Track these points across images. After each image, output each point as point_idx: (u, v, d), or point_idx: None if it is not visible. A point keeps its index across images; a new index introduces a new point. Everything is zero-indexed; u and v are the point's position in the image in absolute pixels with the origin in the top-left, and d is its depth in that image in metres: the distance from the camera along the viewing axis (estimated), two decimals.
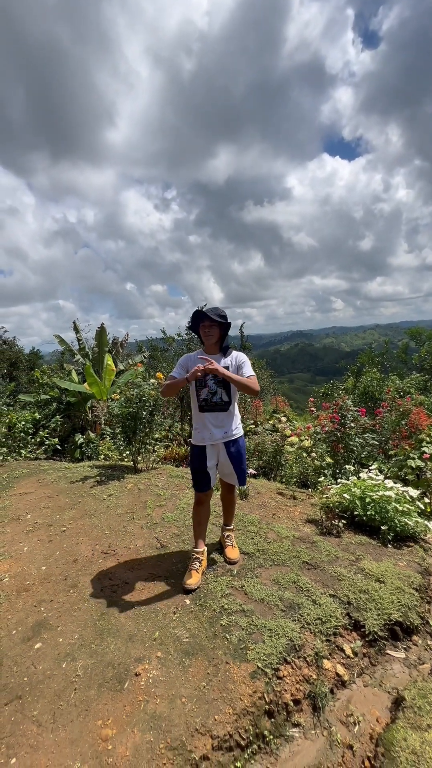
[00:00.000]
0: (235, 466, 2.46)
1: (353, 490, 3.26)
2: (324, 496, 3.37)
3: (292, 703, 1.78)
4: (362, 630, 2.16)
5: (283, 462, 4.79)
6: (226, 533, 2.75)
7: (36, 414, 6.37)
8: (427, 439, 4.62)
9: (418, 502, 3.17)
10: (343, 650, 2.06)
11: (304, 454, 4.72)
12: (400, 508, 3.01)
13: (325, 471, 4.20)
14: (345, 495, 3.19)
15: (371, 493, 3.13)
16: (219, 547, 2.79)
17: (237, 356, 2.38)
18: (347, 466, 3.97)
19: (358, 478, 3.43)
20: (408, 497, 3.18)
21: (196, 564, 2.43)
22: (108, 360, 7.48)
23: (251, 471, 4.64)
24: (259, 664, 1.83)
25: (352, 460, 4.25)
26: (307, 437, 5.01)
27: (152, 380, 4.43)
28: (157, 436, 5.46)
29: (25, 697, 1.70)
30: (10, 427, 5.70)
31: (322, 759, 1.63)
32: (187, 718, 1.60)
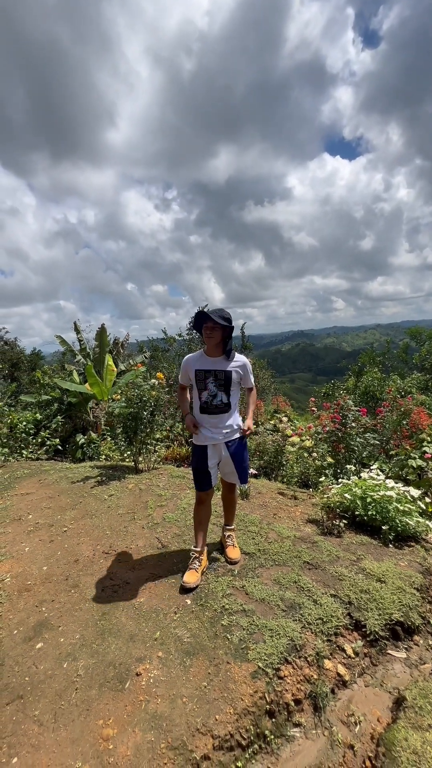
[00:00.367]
0: (236, 464, 2.47)
1: (354, 490, 3.26)
2: (325, 496, 3.37)
3: (293, 703, 1.78)
4: (363, 630, 2.16)
5: (284, 462, 4.79)
6: (227, 533, 2.76)
7: (37, 414, 6.38)
8: (428, 438, 4.62)
9: (419, 502, 3.17)
10: (344, 650, 2.06)
11: (305, 454, 4.72)
12: (401, 508, 3.01)
13: (326, 471, 4.19)
14: (346, 495, 3.19)
15: (372, 493, 3.13)
16: (220, 547, 2.79)
17: (243, 364, 2.39)
18: (348, 466, 3.96)
19: (359, 477, 3.43)
20: (409, 497, 3.18)
21: (195, 563, 2.43)
22: (109, 360, 7.48)
23: (252, 471, 4.64)
24: (260, 664, 1.83)
25: (353, 460, 4.24)
26: (308, 437, 5.01)
27: (153, 380, 4.43)
28: (158, 436, 5.47)
29: (26, 696, 1.71)
30: (12, 427, 5.72)
31: (323, 759, 1.63)
32: (188, 717, 1.61)
